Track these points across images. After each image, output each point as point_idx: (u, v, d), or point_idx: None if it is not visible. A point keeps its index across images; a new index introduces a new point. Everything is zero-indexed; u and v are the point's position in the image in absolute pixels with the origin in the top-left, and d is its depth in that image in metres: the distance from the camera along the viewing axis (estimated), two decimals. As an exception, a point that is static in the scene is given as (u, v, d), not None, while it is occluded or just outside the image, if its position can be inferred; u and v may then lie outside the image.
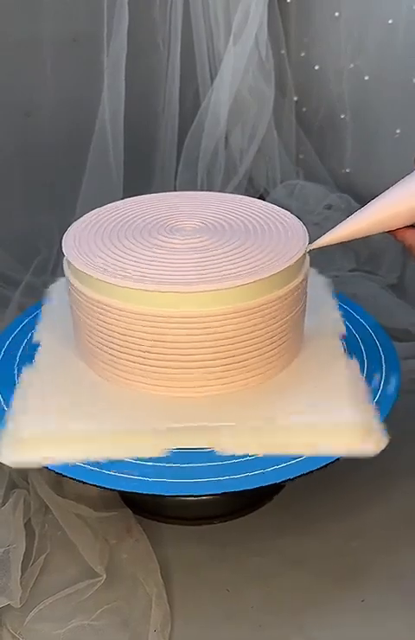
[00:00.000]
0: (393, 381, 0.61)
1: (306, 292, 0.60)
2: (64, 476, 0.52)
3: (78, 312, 0.58)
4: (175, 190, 1.06)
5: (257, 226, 0.60)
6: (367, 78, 1.01)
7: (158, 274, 0.53)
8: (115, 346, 0.55)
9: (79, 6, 0.95)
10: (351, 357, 0.60)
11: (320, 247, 0.55)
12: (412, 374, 0.77)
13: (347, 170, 1.10)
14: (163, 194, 0.68)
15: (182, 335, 0.53)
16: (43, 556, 0.61)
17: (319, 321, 0.64)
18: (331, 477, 0.66)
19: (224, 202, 0.65)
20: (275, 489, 0.68)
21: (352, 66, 1.02)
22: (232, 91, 1.04)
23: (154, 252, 0.56)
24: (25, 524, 0.62)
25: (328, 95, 1.08)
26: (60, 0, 0.94)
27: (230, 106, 1.05)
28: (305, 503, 0.67)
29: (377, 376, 0.61)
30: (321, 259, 0.99)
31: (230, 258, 0.55)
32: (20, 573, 0.57)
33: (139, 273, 0.53)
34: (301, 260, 0.56)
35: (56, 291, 0.70)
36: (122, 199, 0.67)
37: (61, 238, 0.59)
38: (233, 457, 0.52)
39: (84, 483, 0.51)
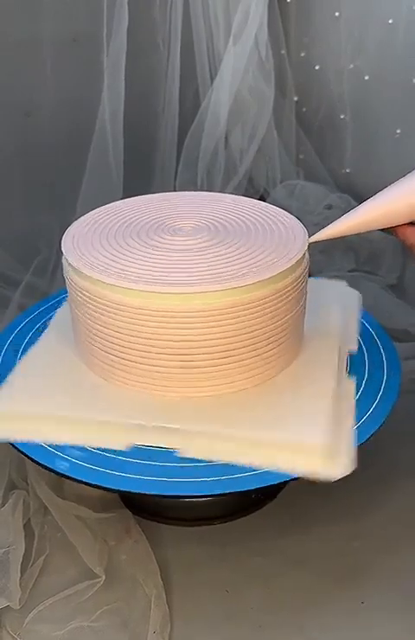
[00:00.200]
0: (394, 382, 0.60)
1: (306, 293, 0.60)
2: (63, 475, 0.52)
3: (77, 311, 0.58)
4: (174, 190, 1.05)
5: (257, 226, 0.60)
6: (367, 78, 1.01)
7: (158, 274, 0.53)
8: (114, 345, 0.55)
9: (78, 6, 0.95)
10: (351, 376, 0.60)
11: (320, 241, 0.55)
12: (412, 375, 0.77)
13: (348, 170, 1.10)
14: (163, 194, 0.68)
15: (181, 335, 0.53)
16: (43, 557, 0.60)
17: (329, 332, 0.63)
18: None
19: (223, 203, 0.65)
20: (275, 489, 0.68)
21: (352, 66, 1.02)
22: (232, 91, 1.03)
23: (154, 252, 0.56)
24: (24, 525, 0.62)
25: (329, 95, 1.08)
26: (60, 0, 0.94)
27: (230, 106, 1.05)
28: (305, 504, 0.67)
29: (378, 377, 0.61)
30: (321, 258, 0.99)
31: (230, 258, 0.55)
32: (19, 574, 0.57)
33: (138, 273, 0.53)
34: (301, 261, 0.56)
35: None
36: (122, 199, 0.67)
37: (61, 238, 0.59)
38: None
39: (82, 482, 0.51)
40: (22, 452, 0.54)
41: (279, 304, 0.55)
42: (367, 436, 0.55)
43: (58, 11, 0.94)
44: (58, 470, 0.52)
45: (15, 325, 0.69)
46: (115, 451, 0.53)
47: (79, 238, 0.59)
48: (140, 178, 1.05)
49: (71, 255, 0.56)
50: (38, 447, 0.53)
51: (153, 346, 0.54)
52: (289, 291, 0.55)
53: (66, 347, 0.62)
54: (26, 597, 0.57)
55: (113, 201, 0.66)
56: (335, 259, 1.00)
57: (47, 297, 0.74)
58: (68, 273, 0.57)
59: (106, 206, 0.65)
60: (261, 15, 1.01)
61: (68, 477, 0.51)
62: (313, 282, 0.69)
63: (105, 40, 0.94)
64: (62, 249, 0.57)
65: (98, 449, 0.53)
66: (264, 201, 0.67)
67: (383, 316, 0.72)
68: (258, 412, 0.54)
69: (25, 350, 0.64)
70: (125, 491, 0.50)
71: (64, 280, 0.59)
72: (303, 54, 1.11)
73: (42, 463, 0.53)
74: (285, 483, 0.51)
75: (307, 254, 0.57)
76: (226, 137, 1.08)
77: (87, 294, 0.55)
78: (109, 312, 0.54)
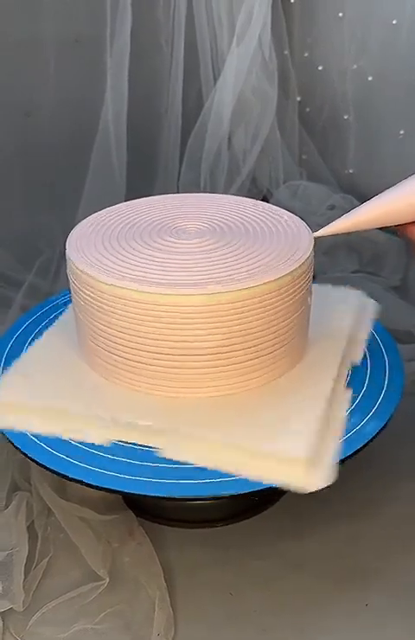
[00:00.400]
0: (397, 384, 0.60)
1: (310, 295, 0.59)
2: (64, 477, 0.52)
3: (79, 313, 0.58)
4: (177, 191, 1.05)
5: (262, 227, 0.60)
6: (370, 78, 1.01)
7: (161, 276, 0.53)
8: (116, 345, 0.55)
9: (81, 6, 0.95)
10: (348, 387, 0.59)
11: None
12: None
13: (351, 171, 1.10)
14: (167, 195, 0.68)
15: (183, 336, 0.53)
16: (46, 559, 0.60)
17: (335, 340, 0.63)
18: (334, 479, 0.66)
19: (227, 204, 0.65)
20: (278, 492, 0.67)
21: (355, 66, 1.02)
22: (235, 91, 1.03)
23: (157, 254, 0.56)
24: (28, 527, 0.62)
25: (332, 96, 1.08)
26: (63, 0, 0.94)
27: (233, 107, 1.04)
28: (308, 507, 0.66)
29: (380, 379, 0.61)
30: (324, 260, 0.99)
31: (234, 260, 0.55)
32: (23, 577, 0.57)
33: (143, 275, 0.53)
34: (305, 263, 0.56)
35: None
36: (125, 200, 0.67)
37: (64, 239, 0.59)
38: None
39: (82, 483, 0.51)
40: (25, 454, 0.54)
41: (283, 306, 0.55)
42: (370, 437, 0.55)
43: (60, 11, 0.94)
44: (61, 472, 0.52)
45: (17, 326, 0.69)
46: (115, 451, 0.53)
47: (83, 239, 0.59)
48: (143, 179, 1.05)
49: (75, 257, 0.56)
50: (40, 449, 0.54)
51: (156, 346, 0.53)
52: (293, 292, 0.55)
53: (68, 346, 0.62)
54: (29, 599, 0.57)
55: (116, 201, 0.66)
56: (338, 261, 1.00)
57: (49, 299, 0.74)
58: (72, 275, 0.57)
59: (110, 208, 0.65)
60: (264, 15, 1.00)
61: (70, 479, 0.51)
62: (328, 289, 0.69)
63: (108, 40, 0.94)
64: (66, 250, 0.57)
65: (98, 450, 0.53)
66: (267, 201, 0.67)
67: (386, 318, 0.72)
68: (247, 417, 0.54)
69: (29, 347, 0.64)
70: (128, 493, 0.50)
71: (66, 281, 0.59)
72: (306, 55, 1.10)
73: (44, 464, 0.53)
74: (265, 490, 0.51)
75: (312, 256, 0.57)
76: (230, 138, 1.08)
77: (91, 296, 0.55)
78: (112, 313, 0.54)
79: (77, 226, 0.61)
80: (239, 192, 1.07)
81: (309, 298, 0.59)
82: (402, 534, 0.64)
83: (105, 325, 0.55)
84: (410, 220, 0.52)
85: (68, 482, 0.52)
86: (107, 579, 0.58)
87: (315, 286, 0.60)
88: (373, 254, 1.01)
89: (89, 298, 0.55)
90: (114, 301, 0.53)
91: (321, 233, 0.54)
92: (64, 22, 0.95)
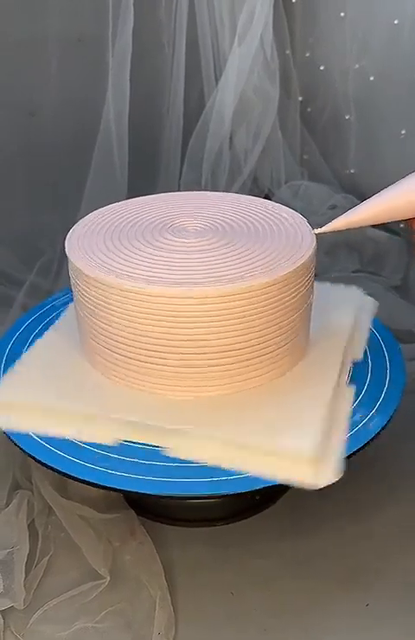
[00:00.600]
0: (398, 383, 0.60)
1: (312, 294, 0.59)
2: (64, 474, 0.52)
3: (81, 312, 0.58)
4: (179, 190, 1.05)
5: (264, 226, 0.60)
6: (372, 78, 1.01)
7: (163, 275, 0.53)
8: (119, 344, 0.55)
9: (83, 6, 0.95)
10: (351, 385, 0.59)
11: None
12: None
13: (352, 171, 1.10)
14: (168, 194, 0.68)
15: (185, 335, 0.53)
16: (47, 558, 0.60)
17: (337, 338, 0.63)
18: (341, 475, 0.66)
19: (229, 202, 0.65)
20: (279, 491, 0.67)
21: (357, 66, 1.02)
22: (236, 91, 1.03)
23: (158, 252, 0.56)
24: (28, 525, 0.62)
25: (333, 95, 1.08)
26: (65, 0, 0.94)
27: (235, 107, 1.04)
28: (308, 506, 0.66)
29: (382, 378, 0.61)
30: (325, 259, 0.99)
31: (236, 258, 0.55)
32: (24, 575, 0.57)
33: (143, 274, 0.53)
34: (308, 262, 0.56)
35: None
36: (126, 199, 0.67)
37: (65, 238, 0.59)
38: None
39: (83, 482, 0.51)
40: (26, 452, 0.54)
41: (285, 305, 0.55)
42: (371, 436, 0.55)
43: (63, 11, 0.94)
44: (61, 470, 0.52)
45: (18, 325, 0.69)
46: (116, 450, 0.53)
47: (84, 237, 0.59)
48: (145, 178, 1.05)
49: (75, 255, 0.56)
50: (41, 447, 0.54)
51: (156, 344, 0.53)
52: (295, 291, 0.55)
53: (70, 345, 0.62)
54: (30, 597, 0.57)
55: (117, 201, 0.66)
56: (339, 260, 1.00)
57: (48, 298, 0.74)
58: (73, 273, 0.57)
59: (110, 206, 0.65)
60: (266, 15, 1.00)
61: (71, 477, 0.51)
62: (328, 287, 0.69)
63: (110, 40, 0.94)
64: (66, 248, 0.57)
65: (101, 449, 0.53)
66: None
67: (387, 318, 0.72)
68: (251, 415, 0.54)
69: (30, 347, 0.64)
70: (131, 492, 0.50)
71: (67, 280, 0.59)
72: (308, 55, 1.10)
73: (45, 462, 0.53)
74: (287, 486, 0.51)
75: (314, 254, 0.57)
76: (231, 138, 1.08)
77: (90, 295, 0.55)
78: (113, 312, 0.54)
79: (77, 223, 0.61)
80: (241, 192, 1.07)
81: (310, 297, 0.59)
82: (403, 533, 0.64)
83: (106, 324, 0.55)
84: (409, 216, 0.52)
85: (69, 480, 0.52)
86: (108, 578, 0.58)
87: (314, 284, 0.60)
88: (374, 254, 1.01)
89: (89, 297, 0.55)
90: (114, 299, 0.53)
91: (323, 229, 0.54)
92: (66, 22, 0.95)
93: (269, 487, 0.50)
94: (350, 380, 0.60)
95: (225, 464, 0.51)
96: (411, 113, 0.97)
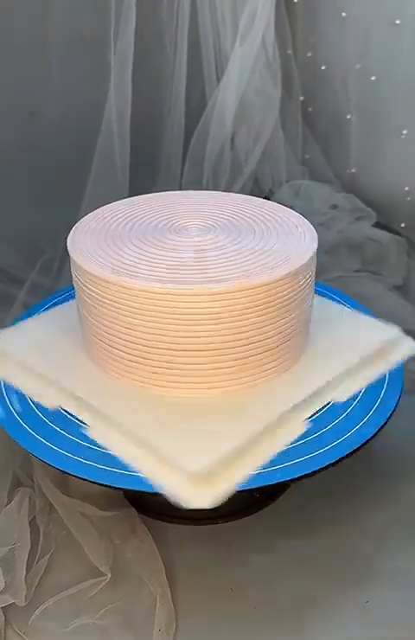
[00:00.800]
0: (397, 382, 0.60)
1: (312, 294, 0.60)
2: (66, 473, 0.52)
3: (83, 311, 0.58)
4: (180, 190, 1.05)
5: (267, 225, 0.60)
6: (373, 78, 1.01)
7: (164, 273, 0.53)
8: (120, 341, 0.55)
9: (85, 5, 0.95)
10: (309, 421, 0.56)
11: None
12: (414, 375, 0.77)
13: (353, 170, 1.10)
14: (170, 192, 0.68)
15: (187, 334, 0.53)
16: (48, 555, 0.61)
17: (327, 369, 0.59)
18: (336, 478, 0.67)
19: (231, 202, 0.65)
20: (279, 488, 0.68)
21: (358, 66, 1.02)
22: (238, 91, 1.03)
23: (160, 251, 0.56)
24: (30, 523, 0.62)
25: (335, 95, 1.08)
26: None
27: (236, 107, 1.05)
28: (309, 504, 0.67)
29: (380, 377, 0.61)
30: (326, 259, 0.99)
31: (237, 258, 0.55)
32: (25, 572, 0.58)
33: (145, 272, 0.53)
34: (310, 261, 0.56)
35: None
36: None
37: (67, 237, 0.59)
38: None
39: (85, 480, 0.51)
40: (29, 451, 0.54)
41: (285, 305, 0.55)
42: (371, 434, 0.55)
43: (64, 11, 0.95)
44: (62, 469, 0.52)
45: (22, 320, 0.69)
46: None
47: (86, 235, 0.59)
48: (146, 178, 1.05)
49: (77, 252, 0.56)
50: (43, 446, 0.54)
51: (159, 341, 0.54)
52: (299, 290, 0.55)
53: (71, 344, 0.63)
54: (31, 594, 0.57)
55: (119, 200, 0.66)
56: (340, 260, 1.00)
57: (50, 296, 0.74)
58: (75, 271, 0.57)
59: (111, 204, 0.65)
60: (268, 15, 1.01)
61: (73, 475, 0.52)
62: (361, 318, 0.66)
63: (112, 39, 0.94)
64: (68, 246, 0.58)
65: (101, 447, 0.53)
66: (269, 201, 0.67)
67: (388, 317, 0.72)
68: (179, 420, 0.54)
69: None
70: (130, 490, 0.51)
71: (69, 279, 0.59)
72: (309, 55, 1.11)
73: (46, 461, 0.53)
74: (287, 483, 0.51)
75: (315, 254, 0.57)
76: (232, 138, 1.08)
77: (92, 293, 0.55)
78: (114, 311, 0.54)
79: (79, 222, 0.61)
80: (242, 191, 1.07)
81: (311, 297, 0.59)
82: (404, 531, 0.64)
83: (109, 322, 0.55)
84: None
85: (70, 478, 0.52)
86: (109, 575, 0.58)
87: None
88: (376, 254, 1.01)
89: (91, 294, 0.55)
90: (116, 297, 0.53)
91: None
92: (68, 21, 0.95)
93: (269, 486, 0.50)
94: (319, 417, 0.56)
95: (124, 458, 0.51)
96: (412, 113, 0.97)
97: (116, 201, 0.66)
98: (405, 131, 0.99)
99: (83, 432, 0.55)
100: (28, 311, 0.71)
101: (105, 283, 0.53)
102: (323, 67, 1.09)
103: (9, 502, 0.63)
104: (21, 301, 0.90)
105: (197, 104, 1.07)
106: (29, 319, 0.67)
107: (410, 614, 0.57)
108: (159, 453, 0.51)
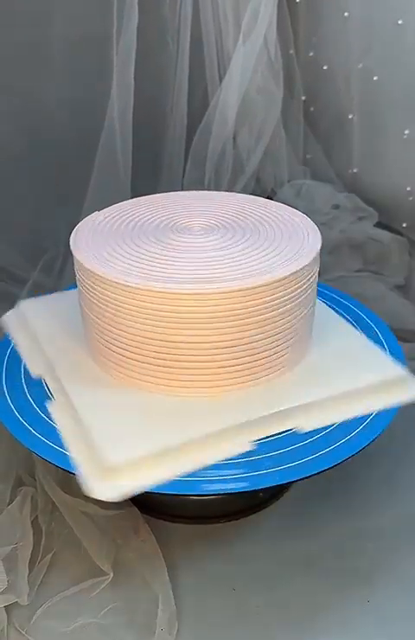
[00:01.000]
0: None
1: (315, 294, 0.60)
2: (68, 472, 0.52)
3: (86, 310, 0.58)
4: (182, 190, 1.05)
5: (269, 226, 0.60)
6: (375, 78, 1.01)
7: (167, 273, 0.53)
8: (123, 342, 0.55)
9: (88, 4, 0.95)
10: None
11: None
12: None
13: (355, 170, 1.10)
14: (173, 193, 0.68)
15: (190, 334, 0.53)
16: (50, 554, 0.61)
17: (310, 391, 0.57)
18: (339, 478, 0.67)
19: (235, 202, 0.65)
20: (282, 488, 0.68)
21: (361, 66, 1.02)
22: (240, 90, 1.03)
23: (164, 251, 0.56)
24: (32, 522, 0.62)
25: (337, 95, 1.08)
26: (70, -2, 0.94)
27: (238, 106, 1.05)
28: (312, 504, 0.67)
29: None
30: (328, 259, 0.99)
31: (242, 257, 0.55)
32: (27, 571, 0.58)
33: (147, 272, 0.53)
34: (314, 261, 0.56)
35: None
36: (130, 197, 0.67)
37: (68, 236, 0.59)
38: (239, 456, 0.52)
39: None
40: (31, 450, 0.54)
41: (289, 304, 0.55)
42: (375, 436, 0.55)
43: (67, 9, 0.94)
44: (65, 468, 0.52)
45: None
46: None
47: (89, 236, 0.59)
48: (148, 177, 1.05)
49: (80, 253, 0.56)
50: (45, 445, 0.54)
51: (160, 342, 0.54)
52: (303, 289, 0.55)
53: (73, 345, 0.63)
54: (34, 593, 0.57)
55: (121, 199, 0.66)
56: (342, 260, 1.00)
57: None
58: (78, 271, 0.57)
59: (115, 205, 0.65)
60: (270, 14, 1.00)
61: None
62: (371, 349, 0.62)
63: (114, 38, 0.94)
64: (71, 246, 0.58)
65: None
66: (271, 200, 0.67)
67: (389, 317, 0.72)
68: (137, 414, 0.55)
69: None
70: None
71: (71, 278, 0.59)
72: (311, 54, 1.11)
73: (49, 460, 0.53)
74: (289, 484, 0.51)
75: (318, 255, 0.57)
76: (234, 137, 1.08)
77: (95, 292, 0.55)
78: (117, 311, 0.54)
79: (82, 222, 0.61)
80: (244, 191, 1.07)
81: (314, 296, 0.59)
82: (404, 532, 0.64)
83: (109, 323, 0.55)
84: None
85: (73, 477, 0.52)
86: (111, 575, 0.58)
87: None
88: (377, 253, 1.01)
89: (93, 295, 0.55)
90: (117, 297, 0.53)
91: None
92: (71, 20, 0.95)
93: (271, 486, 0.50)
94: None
95: (63, 436, 0.54)
96: (414, 113, 0.97)
97: (117, 199, 0.66)
98: (406, 131, 0.99)
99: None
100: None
101: (108, 282, 0.53)
102: (325, 67, 1.08)
103: (11, 501, 0.63)
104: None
105: (199, 103, 1.07)
106: (57, 294, 0.71)
107: (410, 613, 0.57)
108: (90, 438, 0.52)
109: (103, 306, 0.55)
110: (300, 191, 1.11)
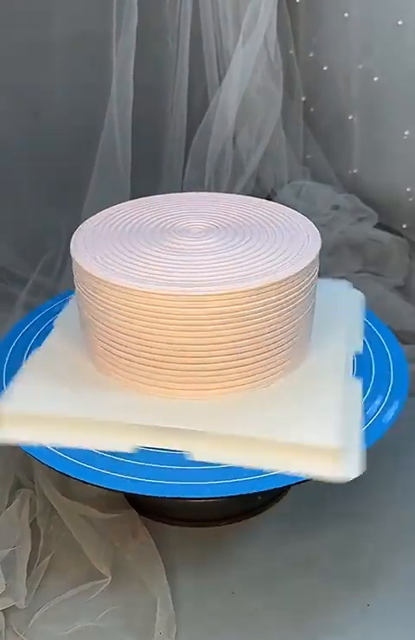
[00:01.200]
0: (402, 384, 0.60)
1: (315, 293, 0.59)
2: (67, 475, 0.52)
3: (85, 312, 0.58)
4: (182, 190, 1.05)
5: (269, 227, 0.60)
6: (375, 79, 1.00)
7: (168, 276, 0.53)
8: (120, 345, 0.55)
9: (88, 4, 0.95)
10: (357, 378, 0.60)
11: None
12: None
13: (355, 171, 1.10)
14: (173, 194, 0.68)
15: (192, 337, 0.53)
16: (48, 557, 0.61)
17: (334, 334, 0.63)
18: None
19: (234, 204, 0.65)
20: (280, 491, 0.68)
21: (361, 66, 1.02)
22: (240, 91, 1.03)
23: (163, 253, 0.56)
24: (30, 525, 0.62)
25: (337, 96, 1.08)
26: (69, -3, 0.94)
27: (238, 106, 1.04)
28: (311, 506, 0.67)
29: (385, 380, 0.61)
30: (328, 260, 0.98)
31: (242, 259, 0.55)
32: (25, 574, 0.57)
33: (146, 275, 0.53)
34: (315, 261, 0.56)
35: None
36: (129, 198, 0.67)
37: (68, 236, 0.59)
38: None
39: (85, 483, 0.51)
40: (29, 453, 0.54)
41: (292, 304, 0.55)
42: (375, 438, 0.55)
43: (67, 9, 0.94)
44: (59, 469, 0.52)
45: (22, 325, 0.69)
46: (121, 453, 0.53)
47: (89, 238, 0.59)
48: (148, 178, 1.05)
49: (79, 255, 0.56)
50: (43, 448, 0.53)
51: (164, 343, 0.53)
52: (303, 290, 0.55)
53: (73, 347, 0.62)
54: (32, 596, 0.57)
55: (121, 200, 0.66)
56: (342, 260, 1.00)
57: (54, 297, 0.74)
58: (77, 274, 0.57)
59: (115, 207, 0.65)
60: (270, 14, 1.00)
61: (75, 479, 0.51)
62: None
63: (114, 38, 0.93)
64: (71, 249, 0.57)
65: (106, 452, 0.53)
66: (270, 201, 0.67)
67: (389, 318, 0.72)
68: (269, 413, 0.54)
69: (32, 350, 0.64)
70: (131, 493, 0.50)
71: (70, 279, 0.59)
72: (311, 55, 1.10)
73: (49, 464, 0.53)
74: (289, 485, 0.51)
75: (319, 256, 0.57)
76: (234, 137, 1.08)
77: (94, 295, 0.55)
78: (117, 313, 0.54)
79: (83, 224, 0.61)
80: (244, 192, 1.07)
81: (315, 296, 0.59)
82: (404, 533, 0.64)
83: (108, 326, 0.55)
84: None
85: (71, 480, 0.52)
86: (109, 578, 0.58)
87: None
88: (377, 254, 1.01)
89: (94, 297, 0.55)
90: (118, 300, 0.53)
91: None
92: (70, 20, 0.95)
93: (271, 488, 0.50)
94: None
95: (248, 464, 0.51)
96: (414, 114, 0.97)
97: (117, 199, 0.66)
98: (406, 132, 0.98)
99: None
100: (32, 313, 0.71)
101: (107, 285, 0.53)
102: (325, 68, 1.08)
103: (9, 504, 0.63)
104: (22, 301, 0.90)
105: (199, 103, 1.07)
106: (25, 366, 0.61)
107: (410, 616, 0.57)
108: (285, 443, 0.51)
109: (102, 309, 0.55)
110: (300, 192, 1.11)
